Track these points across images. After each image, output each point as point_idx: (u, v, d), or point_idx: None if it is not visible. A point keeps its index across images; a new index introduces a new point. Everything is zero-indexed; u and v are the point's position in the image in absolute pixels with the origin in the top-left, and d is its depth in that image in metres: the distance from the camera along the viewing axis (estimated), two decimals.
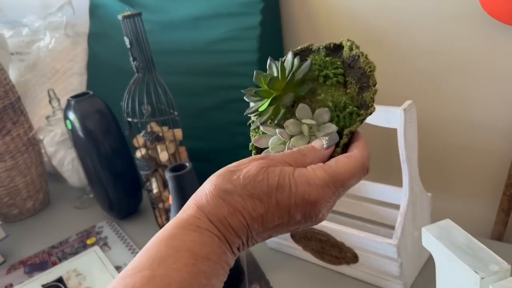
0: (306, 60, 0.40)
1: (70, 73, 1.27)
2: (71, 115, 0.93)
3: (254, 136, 0.41)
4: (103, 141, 0.94)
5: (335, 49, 0.42)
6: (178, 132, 0.89)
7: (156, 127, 0.89)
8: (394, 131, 0.63)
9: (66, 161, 1.08)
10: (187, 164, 0.69)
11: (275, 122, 0.40)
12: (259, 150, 0.42)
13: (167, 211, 0.94)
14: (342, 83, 0.40)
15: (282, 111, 0.39)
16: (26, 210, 1.13)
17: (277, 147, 0.40)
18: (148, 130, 0.88)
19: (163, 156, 0.88)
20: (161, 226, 0.96)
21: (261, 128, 0.40)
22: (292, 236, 0.79)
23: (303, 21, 0.97)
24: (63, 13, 1.27)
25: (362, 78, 0.39)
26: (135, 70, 0.84)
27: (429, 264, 0.76)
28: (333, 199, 0.36)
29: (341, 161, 0.37)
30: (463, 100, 0.83)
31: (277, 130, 0.39)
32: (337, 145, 0.38)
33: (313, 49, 0.43)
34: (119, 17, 0.80)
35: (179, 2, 1.02)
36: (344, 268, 0.76)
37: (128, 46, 0.82)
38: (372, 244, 0.68)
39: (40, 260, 0.94)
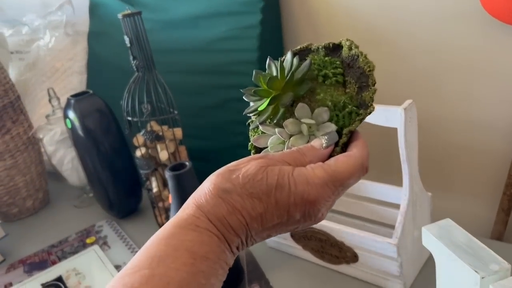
0: (305, 59, 0.40)
1: (70, 72, 1.27)
2: (71, 114, 0.93)
3: (253, 136, 0.41)
4: (103, 140, 0.94)
5: (334, 49, 0.42)
6: (178, 131, 0.89)
7: (156, 126, 0.89)
8: (394, 131, 0.63)
9: (65, 160, 1.08)
10: (187, 163, 0.69)
11: (274, 121, 0.40)
12: (258, 150, 0.42)
13: (167, 210, 0.93)
14: (341, 83, 0.40)
15: (281, 110, 0.39)
16: (25, 209, 1.13)
17: (276, 146, 0.40)
18: (148, 129, 0.88)
19: (163, 155, 0.88)
20: (160, 225, 0.96)
21: (260, 127, 0.40)
22: (292, 236, 0.79)
23: (303, 20, 0.97)
24: (63, 12, 1.27)
25: (361, 77, 0.39)
26: (135, 69, 0.84)
27: (429, 263, 0.76)
28: (333, 198, 0.36)
29: (341, 160, 0.37)
30: (463, 99, 0.83)
31: (276, 130, 0.39)
32: (336, 144, 0.38)
33: (312, 49, 0.43)
34: (119, 16, 0.79)
35: (179, 1, 1.02)
36: (344, 268, 0.76)
37: (128, 45, 0.82)
38: (372, 244, 0.68)
39: (39, 259, 0.94)
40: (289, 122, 0.39)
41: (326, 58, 0.41)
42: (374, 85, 0.39)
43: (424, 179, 0.71)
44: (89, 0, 1.24)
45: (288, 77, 0.39)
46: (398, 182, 0.72)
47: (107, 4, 1.19)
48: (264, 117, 0.40)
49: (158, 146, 0.88)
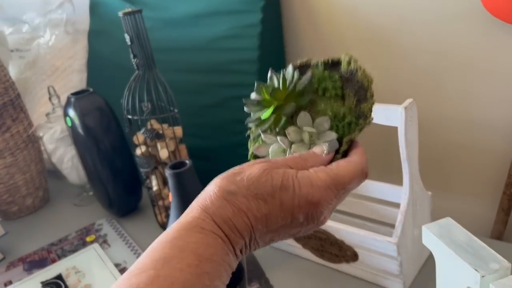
0: (306, 73, 0.42)
1: (70, 70, 1.27)
2: (71, 112, 0.93)
3: (252, 146, 0.42)
4: (103, 139, 0.94)
5: (333, 64, 0.43)
6: (178, 130, 0.89)
7: (156, 125, 0.89)
8: (394, 130, 0.63)
9: (65, 158, 1.08)
10: (187, 161, 0.69)
11: (277, 130, 0.41)
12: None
13: (166, 209, 0.93)
14: (340, 96, 0.41)
15: (284, 119, 0.40)
16: (25, 207, 1.13)
17: (278, 154, 0.41)
18: (148, 127, 0.88)
19: (163, 153, 0.88)
20: (160, 224, 0.96)
21: (262, 136, 0.41)
22: None
23: (304, 19, 0.97)
24: (63, 10, 1.27)
25: (360, 90, 0.40)
26: (136, 67, 0.84)
27: (429, 262, 0.76)
28: (335, 202, 0.37)
29: (342, 165, 0.38)
30: (464, 98, 0.83)
31: (278, 137, 0.40)
32: (337, 152, 0.40)
33: (311, 64, 0.44)
34: (120, 14, 0.79)
35: None
36: (344, 267, 0.76)
37: (129, 43, 0.82)
38: (372, 242, 0.68)
39: (39, 257, 0.94)
40: (291, 130, 0.40)
41: (326, 72, 0.42)
42: (372, 97, 0.40)
43: (424, 178, 0.71)
44: None
45: (290, 88, 0.40)
46: (398, 181, 0.72)
47: (107, 2, 1.19)
48: (266, 125, 0.41)
49: (158, 144, 0.88)
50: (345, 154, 0.40)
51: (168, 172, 0.67)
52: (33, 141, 1.11)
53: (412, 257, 0.71)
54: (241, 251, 0.35)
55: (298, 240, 0.79)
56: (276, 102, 0.40)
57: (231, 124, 0.97)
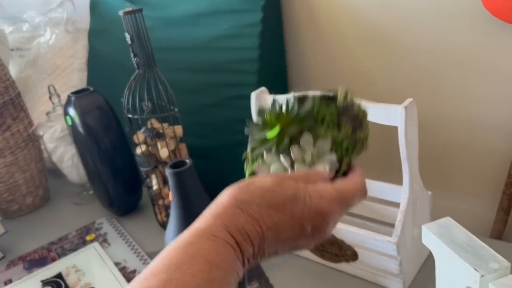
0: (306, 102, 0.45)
1: (70, 69, 1.27)
2: (71, 111, 0.93)
3: (249, 167, 0.45)
4: (103, 137, 0.94)
5: (330, 97, 0.45)
6: (179, 129, 0.89)
7: (156, 124, 0.89)
8: (394, 129, 0.63)
9: (66, 157, 1.08)
10: (187, 160, 0.69)
11: (278, 151, 0.43)
12: None
13: (167, 208, 0.93)
14: (337, 124, 0.44)
15: (287, 140, 0.42)
16: (25, 206, 1.13)
17: (279, 173, 0.43)
18: (148, 126, 0.88)
19: (163, 152, 0.88)
20: (160, 223, 0.96)
21: (264, 154, 0.43)
22: None
23: (304, 18, 0.97)
24: (63, 9, 1.27)
25: (356, 120, 0.43)
26: (136, 67, 0.84)
27: (428, 262, 0.76)
28: (338, 215, 0.39)
29: (346, 182, 0.41)
30: (464, 98, 0.83)
31: (281, 155, 0.42)
32: (337, 172, 0.43)
33: (309, 96, 0.46)
34: (120, 13, 0.79)
35: None
36: (343, 266, 0.76)
37: (129, 42, 0.82)
38: (372, 242, 0.68)
39: (39, 256, 0.94)
40: (295, 149, 0.42)
41: (323, 104, 0.44)
42: (367, 127, 0.44)
43: (424, 178, 0.71)
44: None
45: (293, 114, 0.43)
46: (398, 180, 0.72)
47: (108, 1, 1.19)
48: (271, 144, 0.43)
49: (158, 143, 0.88)
50: (344, 175, 0.43)
51: (168, 171, 0.67)
52: (34, 140, 1.11)
53: (412, 256, 0.72)
54: (248, 260, 0.36)
55: None
56: (281, 124, 0.43)
57: (231, 123, 0.97)
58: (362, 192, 0.41)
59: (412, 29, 0.84)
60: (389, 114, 0.63)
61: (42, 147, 1.12)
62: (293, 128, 0.42)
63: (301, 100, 0.46)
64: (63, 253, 0.94)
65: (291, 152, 0.42)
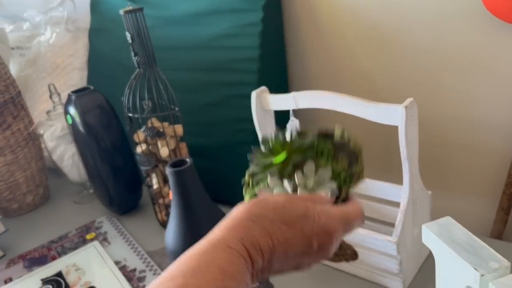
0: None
1: (70, 68, 1.27)
2: (72, 110, 0.93)
3: (251, 191, 0.48)
4: (103, 136, 0.94)
5: (328, 135, 0.48)
6: (179, 128, 0.89)
7: (157, 123, 0.89)
8: (394, 129, 0.63)
9: (66, 156, 1.09)
10: (188, 159, 0.69)
11: (283, 176, 0.46)
12: None
13: (167, 207, 0.94)
14: (334, 159, 0.47)
15: (291, 166, 0.45)
16: (25, 205, 1.13)
17: None
18: (148, 125, 0.88)
19: (164, 151, 0.88)
20: (161, 222, 0.96)
21: (268, 178, 0.46)
22: None
23: (305, 17, 0.97)
24: (64, 8, 1.27)
25: (352, 156, 0.47)
26: (136, 65, 0.84)
27: (428, 261, 0.76)
28: (341, 236, 0.42)
29: (348, 206, 0.44)
30: (464, 98, 0.83)
31: (285, 180, 0.45)
32: (336, 199, 0.45)
33: (309, 132, 0.50)
34: (121, 12, 0.79)
35: None
36: (343, 265, 0.76)
37: (130, 41, 0.82)
38: (372, 241, 0.68)
39: (39, 255, 0.94)
40: (299, 174, 0.45)
41: (321, 139, 0.48)
42: (362, 162, 0.47)
43: (424, 177, 0.71)
44: None
45: (296, 145, 0.47)
46: (398, 180, 0.72)
47: (108, 0, 1.19)
48: (276, 169, 0.46)
49: (158, 142, 0.88)
50: (343, 203, 0.46)
51: (168, 170, 0.67)
52: (34, 139, 1.11)
53: (412, 256, 0.72)
54: (257, 273, 0.37)
55: None
56: (287, 151, 0.46)
57: (231, 123, 0.97)
58: (362, 217, 0.44)
59: (412, 29, 0.84)
60: (389, 113, 0.63)
61: (43, 145, 1.13)
62: (297, 156, 0.45)
63: (301, 135, 0.49)
64: (63, 252, 0.94)
65: (295, 177, 0.44)
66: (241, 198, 1.00)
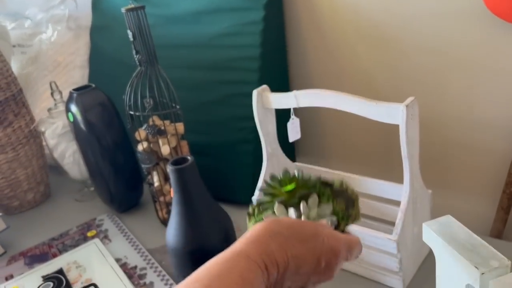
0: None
1: (72, 66, 1.27)
2: (73, 108, 0.93)
3: (255, 218, 0.52)
4: (104, 134, 0.95)
5: (328, 184, 0.53)
6: (180, 126, 0.89)
7: (158, 121, 0.89)
8: (395, 128, 0.63)
9: (67, 153, 1.09)
10: (189, 157, 0.69)
11: (289, 205, 0.51)
12: None
13: (167, 205, 0.94)
14: (333, 202, 0.52)
15: (296, 198, 0.50)
16: (26, 202, 1.13)
17: None
18: (150, 123, 0.88)
19: (165, 149, 0.88)
20: (161, 220, 0.97)
21: (276, 206, 0.50)
22: None
23: (306, 16, 0.97)
24: (65, 6, 1.27)
25: (349, 201, 0.52)
26: (138, 64, 0.84)
27: (428, 260, 0.77)
28: (344, 260, 0.46)
29: (349, 234, 0.49)
30: (464, 97, 0.83)
31: (291, 209, 0.49)
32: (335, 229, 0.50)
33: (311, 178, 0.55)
34: (123, 10, 0.80)
35: None
36: (343, 264, 0.76)
37: (131, 39, 0.82)
38: (372, 240, 0.68)
39: (40, 252, 0.94)
40: (304, 205, 0.49)
41: (322, 186, 0.52)
42: (358, 206, 0.52)
43: (424, 176, 0.71)
44: None
45: (303, 180, 0.52)
46: (398, 179, 0.72)
47: None
48: (283, 198, 0.51)
49: (160, 140, 0.88)
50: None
51: (170, 168, 0.67)
52: (35, 136, 1.12)
53: (412, 254, 0.72)
54: (271, 286, 0.41)
55: None
56: (294, 184, 0.51)
57: (232, 121, 0.97)
58: (361, 248, 0.49)
59: (413, 28, 0.84)
60: (390, 112, 0.63)
61: (44, 143, 1.13)
62: (303, 190, 0.51)
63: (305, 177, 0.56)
64: (64, 249, 0.94)
65: (300, 206, 0.49)
66: (241, 197, 1.00)
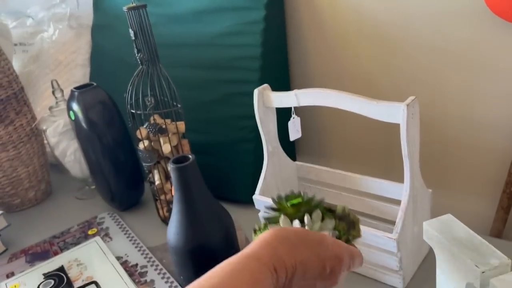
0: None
1: (73, 64, 1.27)
2: (75, 106, 0.93)
3: (262, 231, 0.54)
4: (105, 133, 0.95)
5: (331, 210, 0.56)
6: (181, 125, 0.89)
7: (159, 119, 0.89)
8: (396, 126, 0.63)
9: (68, 151, 1.09)
10: (190, 156, 0.69)
11: (294, 218, 0.54)
12: None
13: (168, 203, 0.94)
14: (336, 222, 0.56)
15: (301, 212, 0.54)
16: (27, 200, 1.13)
17: None
18: (151, 122, 0.88)
19: (166, 148, 0.88)
20: (162, 218, 0.97)
21: (281, 218, 0.54)
22: None
23: (307, 15, 0.97)
24: (67, 5, 1.27)
25: (350, 224, 0.55)
26: (139, 62, 0.84)
27: (428, 259, 0.77)
28: (347, 267, 0.48)
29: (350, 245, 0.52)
30: (465, 96, 0.84)
31: (296, 221, 0.53)
32: None
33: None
34: (124, 8, 0.80)
35: None
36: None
37: (133, 38, 0.82)
38: (373, 239, 0.68)
39: (41, 250, 0.95)
40: (307, 218, 0.53)
41: (324, 209, 0.56)
42: (359, 228, 0.56)
43: (424, 175, 0.71)
44: None
45: (307, 198, 0.56)
46: (398, 178, 0.72)
47: None
48: (287, 212, 0.55)
49: (161, 139, 0.88)
50: None
51: (171, 166, 0.67)
52: (36, 135, 1.12)
53: (412, 253, 0.72)
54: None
55: None
56: (300, 199, 0.55)
57: (233, 120, 0.97)
58: (362, 259, 0.51)
59: (415, 27, 0.84)
60: (391, 111, 0.63)
61: (45, 141, 1.13)
62: (308, 205, 0.55)
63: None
64: (65, 247, 0.94)
65: (305, 219, 0.52)
66: (241, 195, 1.01)
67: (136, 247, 0.90)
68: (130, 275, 0.82)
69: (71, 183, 1.18)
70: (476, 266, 0.44)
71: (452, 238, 0.49)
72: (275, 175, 0.86)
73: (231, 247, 0.75)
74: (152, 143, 0.90)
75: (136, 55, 0.84)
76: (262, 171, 0.83)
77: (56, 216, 1.08)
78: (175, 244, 0.71)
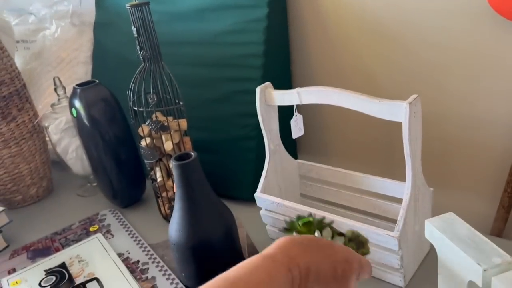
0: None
1: (75, 62, 1.27)
2: (77, 103, 0.94)
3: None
4: (107, 130, 0.95)
5: (340, 233, 0.62)
6: (183, 122, 0.89)
7: (161, 117, 0.90)
8: (397, 125, 0.64)
9: (70, 149, 1.09)
10: (192, 153, 0.69)
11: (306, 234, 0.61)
12: None
13: (170, 200, 0.94)
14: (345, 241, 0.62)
15: (313, 229, 0.61)
16: (29, 197, 1.13)
17: None
18: (153, 119, 0.88)
19: (168, 145, 0.88)
20: (164, 215, 0.97)
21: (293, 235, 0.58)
22: None
23: (310, 13, 0.97)
24: (69, 2, 1.27)
25: (359, 244, 0.60)
26: (142, 60, 0.84)
27: (429, 258, 0.77)
28: (357, 273, 0.50)
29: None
30: (467, 95, 0.84)
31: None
32: None
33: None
34: (127, 6, 0.80)
35: None
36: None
37: (135, 35, 0.82)
38: (374, 237, 0.68)
39: (43, 246, 0.95)
40: (318, 234, 0.59)
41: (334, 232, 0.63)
42: (368, 247, 0.61)
43: (425, 174, 0.71)
44: None
45: (318, 219, 0.63)
46: (400, 177, 0.73)
47: None
48: (299, 230, 0.61)
49: (163, 136, 0.89)
50: None
51: (173, 163, 0.68)
52: (38, 131, 1.12)
53: (413, 251, 0.72)
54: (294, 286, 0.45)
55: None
56: (311, 219, 0.63)
57: (235, 118, 0.97)
58: (371, 268, 0.53)
59: (417, 26, 0.84)
60: (393, 110, 0.63)
61: (47, 138, 1.13)
62: (319, 224, 0.61)
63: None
64: (66, 244, 0.94)
65: (315, 234, 0.58)
66: (243, 193, 1.01)
67: (137, 244, 0.90)
68: (132, 272, 0.82)
69: (73, 180, 1.19)
70: (478, 264, 0.44)
71: (454, 236, 0.49)
72: (277, 173, 0.86)
73: (232, 245, 0.75)
74: (154, 141, 0.90)
75: (139, 52, 0.84)
76: (264, 169, 0.83)
77: (57, 213, 1.08)
78: (177, 241, 0.71)
